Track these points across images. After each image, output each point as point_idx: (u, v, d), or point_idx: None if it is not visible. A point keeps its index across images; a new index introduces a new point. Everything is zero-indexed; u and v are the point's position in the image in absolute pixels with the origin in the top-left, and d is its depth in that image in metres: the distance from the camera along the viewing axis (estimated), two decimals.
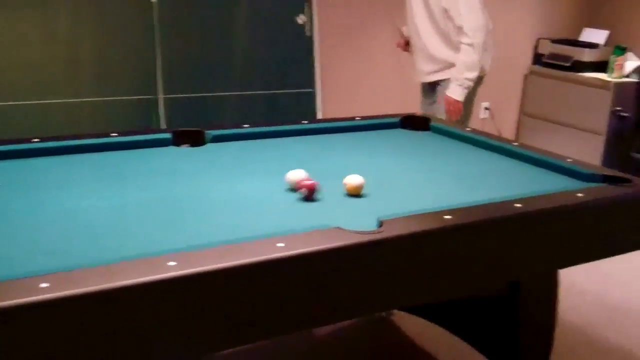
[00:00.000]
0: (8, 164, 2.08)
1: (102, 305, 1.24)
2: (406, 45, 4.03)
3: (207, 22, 4.50)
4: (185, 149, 2.37)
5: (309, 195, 1.87)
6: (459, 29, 3.61)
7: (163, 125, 4.11)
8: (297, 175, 1.94)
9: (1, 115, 3.94)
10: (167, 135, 2.39)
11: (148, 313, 1.28)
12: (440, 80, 3.80)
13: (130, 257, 1.37)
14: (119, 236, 1.57)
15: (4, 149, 2.13)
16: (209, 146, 2.41)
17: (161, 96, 4.12)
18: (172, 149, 2.36)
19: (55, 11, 4.05)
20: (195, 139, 2.41)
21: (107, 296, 1.24)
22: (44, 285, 1.21)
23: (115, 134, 2.33)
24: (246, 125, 2.61)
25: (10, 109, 3.97)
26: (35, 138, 2.22)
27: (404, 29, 4.02)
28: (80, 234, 1.57)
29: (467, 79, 3.64)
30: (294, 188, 1.92)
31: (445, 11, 3.64)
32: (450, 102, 3.70)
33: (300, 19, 4.50)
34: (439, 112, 3.75)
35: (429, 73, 3.85)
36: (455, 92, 3.67)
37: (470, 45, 3.60)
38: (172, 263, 1.33)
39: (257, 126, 2.63)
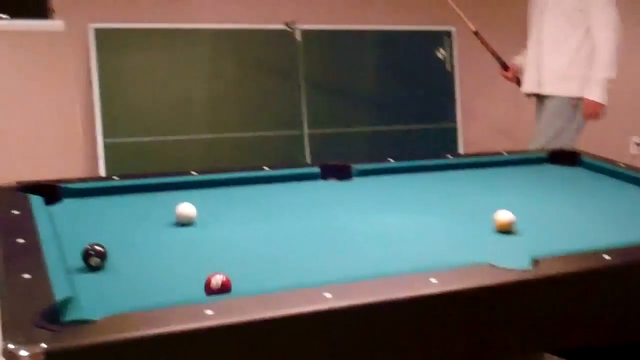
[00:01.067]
0: (167, 196, 2.20)
1: (260, 333, 1.28)
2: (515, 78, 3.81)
3: (349, 58, 4.60)
4: (333, 182, 2.42)
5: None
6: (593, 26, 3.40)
7: (307, 160, 4.21)
8: None
9: (164, 148, 4.20)
10: (316, 169, 2.45)
11: (303, 344, 1.31)
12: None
13: (285, 288, 1.41)
14: (273, 266, 1.62)
15: (166, 181, 2.27)
16: (356, 180, 2.45)
17: (306, 131, 4.22)
18: (320, 182, 2.42)
19: (205, 51, 4.28)
20: (343, 173, 2.45)
21: (265, 325, 1.28)
22: (209, 312, 1.27)
23: (267, 168, 2.42)
24: (391, 160, 2.63)
25: (172, 143, 4.22)
26: (193, 171, 2.35)
27: (518, 59, 3.83)
28: (234, 263, 1.63)
29: (605, 78, 3.38)
30: None
31: (579, 12, 3.43)
32: (590, 106, 3.44)
33: (441, 53, 4.47)
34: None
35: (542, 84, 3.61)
36: (594, 93, 3.40)
37: (608, 39, 3.35)
38: (327, 295, 1.35)
39: (402, 160, 2.64)
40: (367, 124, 4.59)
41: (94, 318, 1.24)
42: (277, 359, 1.30)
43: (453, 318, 1.42)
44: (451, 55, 4.73)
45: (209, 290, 1.41)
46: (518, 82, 3.78)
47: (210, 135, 4.29)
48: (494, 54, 3.78)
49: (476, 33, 3.76)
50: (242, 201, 2.17)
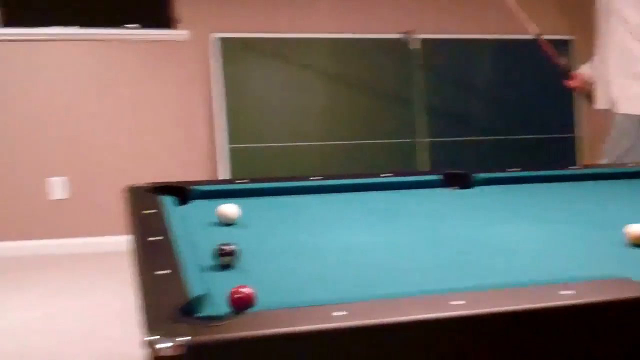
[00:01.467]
0: (290, 199, 2.25)
1: (389, 337, 1.28)
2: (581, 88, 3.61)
3: (465, 67, 4.55)
4: (454, 190, 2.40)
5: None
6: None
7: (420, 168, 4.19)
8: None
9: (282, 154, 4.29)
10: (437, 177, 2.44)
11: (429, 352, 1.30)
12: None
13: (410, 294, 1.41)
14: (395, 272, 1.62)
15: (289, 186, 2.31)
16: (477, 189, 2.42)
17: (418, 140, 4.21)
18: (441, 190, 2.40)
19: (323, 59, 4.34)
20: (463, 181, 2.43)
21: (393, 329, 1.28)
22: (336, 313, 1.28)
23: (388, 174, 2.43)
24: (511, 170, 2.58)
25: (290, 149, 4.31)
26: (315, 176, 2.38)
27: (585, 69, 3.64)
28: (356, 267, 1.65)
29: None
30: None
31: None
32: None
33: (562, 60, 4.33)
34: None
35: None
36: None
37: None
38: (457, 302, 1.34)
39: (523, 170, 2.59)
40: (484, 133, 4.53)
41: (228, 315, 1.28)
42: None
43: (584, 332, 1.37)
44: (570, 64, 4.59)
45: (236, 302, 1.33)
46: (587, 94, 3.60)
47: (326, 143, 4.35)
48: (556, 61, 3.61)
49: (538, 37, 3.59)
50: (363, 207, 2.18)
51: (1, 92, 4.12)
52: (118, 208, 4.28)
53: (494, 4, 4.56)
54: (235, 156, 4.28)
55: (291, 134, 4.34)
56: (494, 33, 4.56)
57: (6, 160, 4.21)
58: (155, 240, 1.67)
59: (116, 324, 3.30)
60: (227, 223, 1.96)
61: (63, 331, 3.24)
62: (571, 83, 3.57)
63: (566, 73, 3.59)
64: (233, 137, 4.27)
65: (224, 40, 4.23)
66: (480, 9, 4.62)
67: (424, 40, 4.11)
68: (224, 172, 4.32)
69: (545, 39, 3.58)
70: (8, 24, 4.09)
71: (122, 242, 4.06)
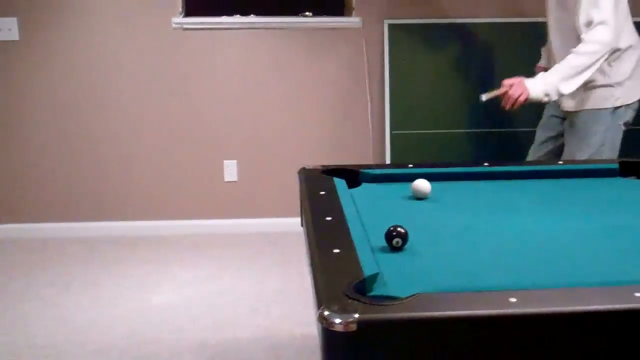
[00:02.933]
0: (460, 185, 2.24)
1: (563, 325, 1.25)
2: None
3: None
4: (633, 180, 2.29)
5: None
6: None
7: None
8: None
9: (442, 140, 4.27)
10: (614, 166, 2.33)
11: (615, 341, 1.26)
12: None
13: (588, 284, 1.37)
14: (567, 261, 1.57)
15: (457, 171, 2.31)
16: None
17: None
18: (619, 180, 2.30)
19: (485, 44, 4.25)
20: None
21: (570, 318, 1.25)
22: (512, 300, 1.27)
23: (561, 162, 2.36)
24: None
25: (451, 135, 4.28)
26: (486, 162, 2.36)
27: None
28: (532, 255, 1.62)
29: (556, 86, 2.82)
30: None
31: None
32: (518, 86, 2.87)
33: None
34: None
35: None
36: (536, 87, 2.85)
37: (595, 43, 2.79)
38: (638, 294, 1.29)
39: None
40: None
41: (399, 295, 1.30)
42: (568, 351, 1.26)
43: None
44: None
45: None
46: None
47: (483, 130, 4.29)
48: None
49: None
50: (537, 194, 2.13)
51: (182, 80, 4.39)
52: (281, 191, 4.47)
53: None
54: (396, 142, 4.31)
55: (452, 121, 4.30)
56: None
57: (189, 144, 4.49)
58: (331, 220, 1.73)
59: (278, 302, 3.44)
60: (419, 197, 2.08)
61: (229, 307, 3.42)
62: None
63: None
64: (393, 123, 4.30)
65: (391, 27, 4.25)
66: None
67: None
68: (382, 157, 4.36)
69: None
70: (188, 13, 4.34)
71: (285, 224, 4.19)
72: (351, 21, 4.30)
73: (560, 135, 3.18)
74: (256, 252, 4.19)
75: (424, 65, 4.31)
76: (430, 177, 2.23)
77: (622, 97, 3.01)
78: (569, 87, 2.82)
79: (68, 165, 4.47)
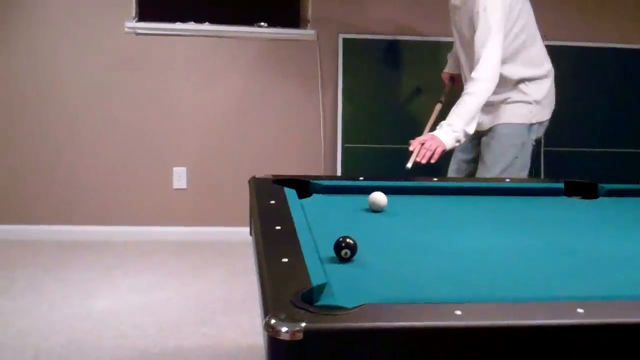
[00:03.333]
0: (409, 199, 2.26)
1: (506, 339, 1.27)
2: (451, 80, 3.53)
3: (589, 76, 4.40)
4: (577, 200, 2.34)
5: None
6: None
7: (541, 176, 4.09)
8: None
9: (392, 155, 4.30)
10: (559, 185, 2.39)
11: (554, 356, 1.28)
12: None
13: (526, 299, 1.39)
14: (513, 277, 1.60)
15: (406, 185, 2.33)
16: (602, 200, 2.35)
17: (542, 148, 4.12)
18: (563, 199, 2.35)
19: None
20: (588, 192, 2.37)
21: (513, 332, 1.27)
22: (458, 312, 1.28)
23: (508, 180, 2.40)
24: None
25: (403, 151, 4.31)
26: (435, 178, 2.39)
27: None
28: (478, 269, 1.64)
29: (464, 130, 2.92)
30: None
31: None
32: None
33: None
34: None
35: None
36: (448, 138, 2.91)
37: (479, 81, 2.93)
38: (579, 310, 1.31)
39: None
40: (602, 145, 4.38)
41: (346, 305, 1.30)
42: None
43: None
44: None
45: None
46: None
47: None
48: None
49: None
50: (485, 211, 2.16)
51: (133, 85, 4.34)
52: (231, 200, 4.45)
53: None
54: (348, 155, 4.34)
55: (404, 136, 4.34)
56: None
57: (138, 150, 4.43)
58: (280, 229, 1.72)
59: (224, 311, 3.42)
60: (375, 210, 2.09)
61: (174, 315, 3.38)
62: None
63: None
64: (346, 136, 4.32)
65: (345, 41, 4.29)
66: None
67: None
68: (333, 170, 4.39)
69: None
70: (141, 18, 4.29)
71: (233, 233, 4.16)
72: (306, 33, 4.32)
73: (477, 157, 3.26)
74: (203, 261, 4.15)
75: (378, 79, 4.36)
76: (381, 190, 2.25)
77: (537, 114, 3.14)
78: (472, 126, 2.93)
79: (11, 167, 4.38)
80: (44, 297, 3.54)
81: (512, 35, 2.99)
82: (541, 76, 3.13)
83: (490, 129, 3.15)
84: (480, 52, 2.91)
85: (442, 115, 3.07)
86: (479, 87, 2.91)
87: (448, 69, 3.58)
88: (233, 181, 4.44)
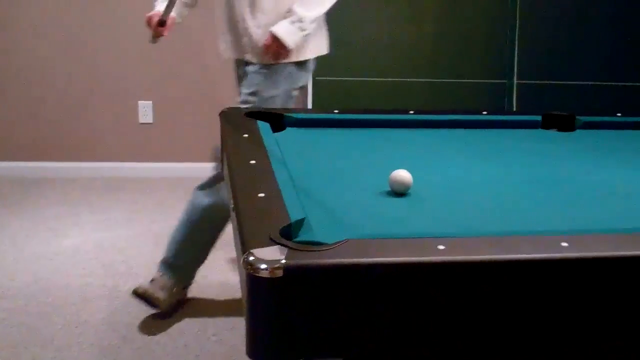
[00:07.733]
0: (386, 132, 2.21)
1: (492, 273, 1.24)
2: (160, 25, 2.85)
3: (565, 9, 4.34)
4: (553, 132, 2.32)
5: None
6: None
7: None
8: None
9: (368, 88, 4.24)
10: (537, 118, 2.35)
11: (531, 291, 1.26)
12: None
13: (514, 233, 1.37)
14: (495, 210, 1.57)
15: (383, 118, 2.27)
16: (579, 132, 2.32)
17: (515, 81, 4.08)
18: (540, 131, 2.32)
19: None
20: (565, 124, 2.34)
21: (497, 266, 1.24)
22: (441, 247, 1.25)
23: (485, 112, 2.35)
24: (620, 114, 2.46)
25: (376, 84, 4.25)
26: (411, 110, 2.33)
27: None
28: (459, 203, 1.60)
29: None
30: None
31: None
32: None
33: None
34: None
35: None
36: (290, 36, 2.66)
37: None
38: (564, 244, 1.29)
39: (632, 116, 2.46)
40: (582, 78, 4.34)
41: (326, 241, 1.26)
42: (500, 302, 1.26)
43: None
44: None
45: None
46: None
47: (412, 79, 4.27)
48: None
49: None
50: (461, 143, 2.12)
51: (94, 16, 4.18)
52: (199, 134, 4.35)
53: None
54: (320, 89, 4.25)
55: (378, 69, 4.27)
56: None
57: (102, 83, 4.30)
58: (255, 163, 1.66)
59: None
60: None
61: (142, 252, 3.33)
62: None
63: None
64: (317, 69, 4.23)
65: None
66: None
67: None
68: (304, 104, 4.30)
69: None
70: None
71: (202, 169, 4.10)
72: None
73: None
74: (171, 197, 4.08)
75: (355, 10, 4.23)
76: (355, 124, 2.19)
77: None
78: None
79: None
80: (7, 236, 3.46)
81: None
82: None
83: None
84: None
85: None
86: None
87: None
88: (201, 114, 4.33)
